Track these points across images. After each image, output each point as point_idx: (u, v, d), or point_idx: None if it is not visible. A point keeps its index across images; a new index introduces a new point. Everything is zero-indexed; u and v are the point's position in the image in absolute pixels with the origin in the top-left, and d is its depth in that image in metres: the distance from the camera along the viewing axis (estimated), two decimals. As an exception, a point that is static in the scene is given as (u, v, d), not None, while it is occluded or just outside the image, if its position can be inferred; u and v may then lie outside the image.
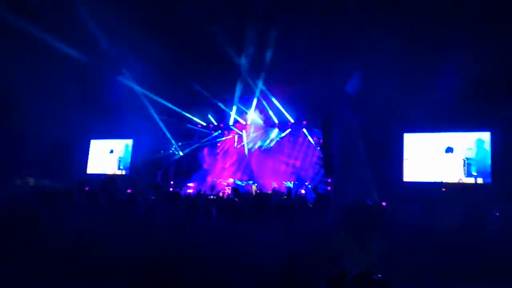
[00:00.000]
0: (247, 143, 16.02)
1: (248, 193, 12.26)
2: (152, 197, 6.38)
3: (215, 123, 16.51)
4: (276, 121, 15.39)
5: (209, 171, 16.14)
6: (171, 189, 13.84)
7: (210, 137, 16.69)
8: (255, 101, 14.82)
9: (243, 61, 12.93)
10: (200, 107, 15.88)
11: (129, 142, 17.06)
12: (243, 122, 15.91)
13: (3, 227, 3.11)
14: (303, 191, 13.29)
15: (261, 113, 15.50)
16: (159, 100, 14.98)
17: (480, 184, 11.64)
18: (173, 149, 16.36)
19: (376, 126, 12.17)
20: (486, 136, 11.85)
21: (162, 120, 15.62)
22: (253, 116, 15.53)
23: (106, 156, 17.45)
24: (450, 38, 9.77)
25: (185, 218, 4.11)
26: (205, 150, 16.59)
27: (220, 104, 15.41)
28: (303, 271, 2.63)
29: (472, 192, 11.20)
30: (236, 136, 16.41)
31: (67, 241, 3.12)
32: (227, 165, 16.30)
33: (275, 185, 13.96)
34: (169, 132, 16.03)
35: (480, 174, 11.75)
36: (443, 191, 11.43)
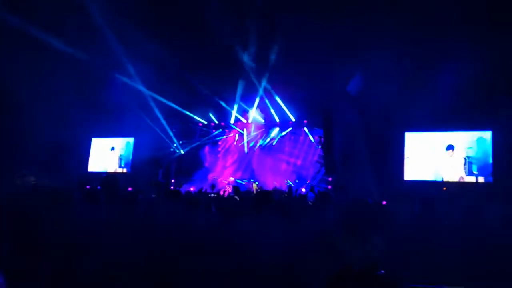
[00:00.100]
0: (248, 141, 16.02)
1: (249, 191, 12.27)
2: (153, 195, 6.39)
3: (216, 122, 16.51)
4: (277, 120, 15.39)
5: (210, 170, 16.15)
6: (172, 187, 13.88)
7: (211, 136, 16.70)
8: (257, 100, 14.82)
9: (245, 59, 12.93)
10: (201, 106, 15.88)
11: (130, 140, 17.09)
12: (244, 121, 15.92)
13: (3, 226, 3.11)
14: (303, 190, 13.29)
15: (262, 112, 15.50)
16: (160, 98, 14.99)
17: (481, 183, 11.64)
18: (174, 147, 16.37)
19: (377, 125, 12.17)
20: (487, 134, 11.85)
21: (163, 119, 15.62)
22: (254, 114, 15.53)
23: (107, 154, 17.49)
24: (451, 37, 9.76)
25: (185, 216, 4.11)
26: (206, 149, 16.60)
27: (222, 103, 15.41)
28: (304, 269, 2.63)
29: (473, 191, 11.19)
30: (237, 135, 16.41)
31: (67, 240, 3.13)
32: (228, 164, 16.30)
33: (276, 184, 13.96)
34: (170, 130, 16.04)
35: (481, 172, 11.74)
36: (444, 190, 11.44)
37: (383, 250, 2.88)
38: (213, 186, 14.32)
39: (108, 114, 15.03)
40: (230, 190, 13.21)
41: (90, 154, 17.81)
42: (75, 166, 16.42)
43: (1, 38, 11.05)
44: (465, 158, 12.02)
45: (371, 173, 11.69)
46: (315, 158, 14.76)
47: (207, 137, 16.71)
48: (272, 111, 15.09)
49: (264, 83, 14.04)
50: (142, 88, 14.56)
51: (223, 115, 16.19)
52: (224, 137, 16.75)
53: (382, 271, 1.41)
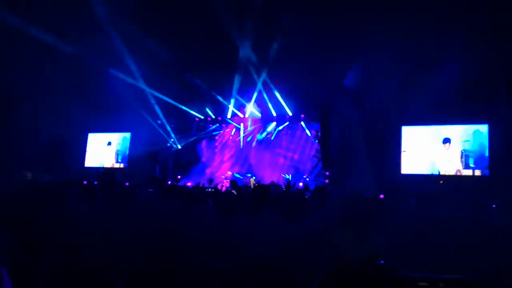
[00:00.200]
0: (245, 136, 16.01)
1: (246, 185, 12.27)
2: (150, 190, 6.38)
3: (213, 116, 16.49)
4: (274, 114, 15.38)
5: (207, 164, 16.14)
6: (169, 182, 13.87)
7: (207, 130, 16.68)
8: (255, 94, 14.79)
9: (242, 54, 12.89)
10: (198, 100, 15.85)
11: (127, 135, 17.06)
12: (241, 115, 15.90)
13: (1, 222, 3.11)
14: (301, 184, 13.31)
15: (259, 107, 15.49)
16: (157, 94, 14.95)
17: (478, 176, 11.69)
18: (171, 142, 16.35)
19: (374, 119, 12.19)
20: (483, 128, 11.88)
21: (160, 113, 15.59)
22: (251, 109, 15.51)
23: (104, 150, 17.46)
24: (449, 31, 9.75)
25: (181, 210, 4.11)
26: (204, 143, 16.59)
27: (219, 97, 15.38)
28: (303, 263, 2.63)
29: (469, 184, 11.23)
30: (234, 129, 16.40)
31: (65, 235, 3.12)
32: (225, 158, 16.30)
33: (273, 178, 13.97)
34: (167, 125, 16.01)
35: (477, 166, 11.79)
36: (441, 183, 11.48)
37: (380, 243, 2.89)
38: (210, 180, 14.32)
39: (105, 109, 14.99)
40: (227, 185, 13.21)
41: (87, 149, 17.77)
42: (72, 162, 16.39)
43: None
44: (461, 152, 12.06)
45: (368, 167, 11.72)
46: (312, 152, 14.77)
47: (204, 132, 16.69)
48: (270, 105, 15.07)
49: (261, 77, 14.01)
50: (138, 83, 14.52)
51: (220, 110, 16.16)
52: (221, 132, 16.73)
53: (382, 262, 1.41)
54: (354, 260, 1.43)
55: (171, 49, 12.37)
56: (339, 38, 10.76)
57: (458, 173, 11.96)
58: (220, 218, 3.73)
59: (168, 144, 16.33)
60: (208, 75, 14.12)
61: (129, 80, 14.29)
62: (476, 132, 11.96)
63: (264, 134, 15.74)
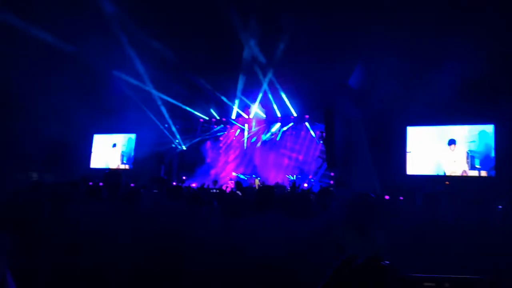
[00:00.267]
0: (249, 137, 16.02)
1: (251, 186, 12.28)
2: (155, 191, 6.39)
3: (218, 117, 16.51)
4: (279, 115, 15.38)
5: (212, 165, 16.16)
6: (174, 183, 13.89)
7: (212, 131, 16.70)
8: (260, 95, 14.81)
9: (246, 54, 12.91)
10: (202, 101, 15.89)
11: (132, 136, 17.12)
12: (246, 116, 15.91)
13: (5, 223, 3.12)
14: (305, 185, 13.29)
15: (263, 107, 15.49)
16: (161, 95, 15.00)
17: (484, 177, 11.62)
18: (176, 142, 16.39)
19: (379, 120, 12.15)
20: (489, 128, 11.81)
21: (165, 115, 15.63)
22: (255, 110, 15.52)
23: (110, 151, 17.52)
24: (454, 31, 9.70)
25: (186, 211, 4.12)
26: (208, 144, 16.61)
27: (223, 98, 15.41)
28: (308, 263, 2.63)
29: (475, 185, 11.17)
30: (238, 130, 16.41)
31: (69, 236, 3.13)
32: (230, 159, 16.31)
33: (278, 179, 13.96)
34: (172, 126, 16.05)
35: (483, 166, 11.72)
36: (447, 184, 11.42)
37: (385, 243, 2.88)
38: (215, 181, 14.33)
39: (110, 111, 15.04)
40: (232, 186, 13.22)
41: (92, 150, 17.84)
42: (77, 163, 16.46)
43: (2, 36, 11.06)
44: (467, 152, 11.99)
45: (373, 167, 11.68)
46: (317, 153, 14.75)
47: (208, 133, 16.72)
48: (274, 106, 15.07)
49: (266, 78, 14.02)
50: (143, 84, 14.57)
51: (225, 111, 16.19)
52: (226, 132, 16.75)
53: (387, 262, 1.40)
54: (359, 260, 1.42)
55: (176, 50, 12.41)
56: (343, 38, 10.75)
57: (464, 174, 11.89)
58: (224, 219, 3.73)
59: (173, 145, 16.36)
60: (212, 76, 14.15)
61: (134, 81, 14.34)
62: (482, 133, 11.89)
63: (268, 134, 15.74)
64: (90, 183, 7.70)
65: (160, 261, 2.87)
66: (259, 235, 3.00)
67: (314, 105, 14.18)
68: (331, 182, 13.36)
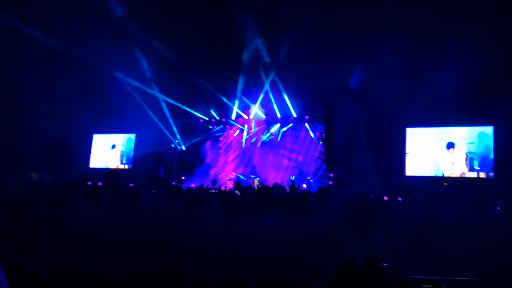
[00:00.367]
0: (249, 137, 16.03)
1: (250, 187, 12.28)
2: (154, 191, 6.39)
3: (217, 118, 16.52)
4: (279, 116, 15.39)
5: (211, 165, 16.16)
6: (173, 183, 13.89)
7: (211, 132, 16.71)
8: (261, 96, 14.82)
9: (246, 55, 12.92)
10: (202, 102, 15.90)
11: (132, 136, 17.11)
12: (245, 117, 15.92)
13: (5, 223, 3.12)
14: (304, 186, 13.30)
15: (263, 108, 15.50)
16: (161, 95, 15.01)
17: (482, 179, 11.62)
18: (176, 143, 16.39)
19: (378, 121, 12.15)
20: (488, 129, 11.82)
21: (165, 115, 15.64)
22: (255, 110, 15.53)
23: (109, 151, 17.52)
24: (454, 32, 9.72)
25: (186, 211, 4.12)
26: (208, 144, 16.61)
27: (224, 98, 15.42)
28: (307, 263, 2.63)
29: (474, 187, 11.17)
30: (238, 131, 16.42)
31: (69, 236, 3.14)
32: (229, 160, 16.32)
33: (277, 180, 13.96)
34: (172, 127, 16.05)
35: (482, 168, 11.72)
36: (445, 185, 11.42)
37: (384, 244, 2.89)
38: (214, 181, 14.33)
39: (110, 111, 15.04)
40: (231, 186, 13.22)
41: (92, 150, 17.84)
42: (77, 163, 16.45)
43: (2, 37, 11.07)
44: (466, 154, 12.00)
45: (373, 168, 11.69)
46: (316, 154, 14.76)
47: (208, 133, 16.73)
48: (274, 106, 15.08)
49: (266, 79, 14.03)
50: (143, 84, 14.58)
51: (224, 111, 16.19)
52: (225, 133, 16.76)
53: (385, 264, 1.41)
54: (357, 261, 1.43)
55: (176, 50, 12.42)
56: (343, 39, 10.76)
57: (463, 176, 11.90)
58: (223, 219, 3.73)
59: (173, 145, 16.37)
60: (212, 76, 14.16)
61: (133, 81, 14.35)
62: (481, 134, 11.90)
63: (268, 135, 15.75)
64: (89, 183, 7.71)
65: (159, 261, 2.88)
66: (258, 235, 3.01)
67: (313, 106, 14.19)
68: (330, 182, 13.37)
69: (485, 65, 9.85)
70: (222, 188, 12.85)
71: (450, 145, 12.22)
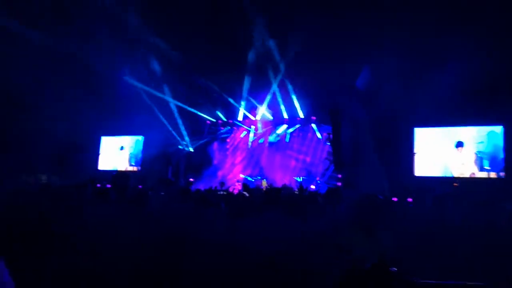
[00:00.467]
0: (256, 138, 16.03)
1: (258, 188, 12.27)
2: (162, 193, 6.41)
3: (224, 119, 16.54)
4: (286, 116, 15.37)
5: (219, 167, 16.18)
6: (182, 185, 13.92)
7: (218, 133, 16.73)
8: (268, 97, 14.82)
9: (253, 57, 12.92)
10: (209, 103, 15.93)
11: (140, 138, 17.21)
12: (252, 118, 15.92)
13: (13, 224, 3.15)
14: (313, 187, 13.25)
15: (270, 109, 15.49)
16: (169, 97, 15.07)
17: (493, 179, 11.51)
18: (184, 144, 16.43)
19: (386, 121, 12.09)
20: (498, 129, 11.70)
21: (172, 116, 15.70)
22: (262, 111, 15.53)
23: (117, 153, 17.62)
24: (461, 31, 9.64)
25: (194, 213, 4.12)
26: (215, 145, 16.63)
27: (230, 100, 15.44)
28: (315, 264, 2.62)
29: (484, 187, 11.07)
30: (245, 132, 16.42)
31: (77, 238, 3.15)
32: (237, 161, 16.32)
33: (285, 181, 13.93)
34: (179, 128, 16.11)
35: (493, 168, 11.61)
36: (455, 186, 11.33)
37: (392, 245, 2.86)
38: (222, 183, 14.34)
39: (118, 113, 15.13)
40: (239, 187, 13.22)
41: (100, 152, 17.95)
42: (86, 165, 16.56)
43: (11, 40, 11.18)
44: (476, 153, 11.89)
45: (381, 169, 11.62)
46: (324, 155, 14.71)
47: (215, 135, 16.75)
48: (282, 107, 15.07)
49: (273, 80, 14.03)
50: (151, 86, 14.64)
51: (231, 112, 16.21)
52: (232, 134, 16.77)
53: (394, 268, 1.40)
54: (365, 266, 1.42)
55: (183, 51, 12.46)
56: (350, 40, 10.71)
57: (473, 176, 11.79)
58: (231, 220, 3.73)
59: (181, 147, 16.41)
60: (219, 78, 14.18)
61: (141, 83, 14.42)
62: (490, 133, 11.78)
63: (274, 135, 15.73)
64: (98, 185, 7.75)
65: (166, 262, 2.88)
66: (266, 236, 3.00)
67: (320, 107, 14.15)
68: (339, 183, 13.31)
69: (494, 64, 9.76)
70: (230, 190, 12.85)
71: (459, 144, 12.12)
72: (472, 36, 9.26)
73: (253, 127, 16.09)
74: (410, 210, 5.81)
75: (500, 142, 11.59)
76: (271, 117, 15.68)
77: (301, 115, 15.05)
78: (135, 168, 17.09)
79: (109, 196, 4.94)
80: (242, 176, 15.32)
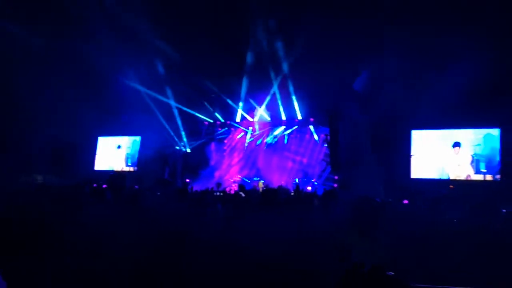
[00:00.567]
0: (254, 139, 16.02)
1: (255, 189, 12.27)
2: (158, 193, 6.40)
3: (222, 120, 16.53)
4: (284, 118, 15.38)
5: (216, 168, 16.16)
6: (179, 186, 13.92)
7: (215, 134, 16.72)
8: (268, 98, 14.82)
9: (251, 58, 12.93)
10: (207, 104, 15.93)
11: (137, 138, 17.17)
12: (250, 119, 15.92)
13: (11, 224, 3.14)
14: (309, 188, 13.26)
15: (268, 110, 15.50)
16: (166, 97, 15.05)
17: (489, 181, 11.54)
18: (181, 145, 16.42)
19: (383, 123, 12.11)
20: (495, 131, 11.74)
21: (170, 118, 15.68)
22: (260, 113, 15.53)
23: (114, 153, 17.58)
24: (459, 34, 9.68)
25: (190, 213, 4.12)
26: (212, 146, 16.62)
27: (229, 101, 15.44)
28: (311, 265, 2.62)
29: (480, 189, 11.10)
30: (242, 133, 16.41)
31: (73, 238, 3.15)
32: (234, 162, 16.31)
33: (282, 182, 13.94)
34: (177, 129, 16.09)
35: (489, 171, 11.64)
36: (451, 188, 11.36)
37: (388, 248, 2.87)
38: (218, 184, 14.33)
39: (115, 113, 15.10)
40: (236, 188, 13.21)
41: (97, 152, 17.91)
42: (82, 165, 16.52)
43: (6, 40, 11.17)
44: (472, 156, 11.92)
45: (378, 171, 11.64)
46: (321, 156, 14.72)
47: (212, 136, 16.74)
48: (281, 108, 15.07)
49: (272, 81, 14.02)
50: (148, 86, 14.62)
51: (229, 113, 16.20)
52: (230, 135, 16.76)
53: (391, 273, 1.41)
54: (364, 268, 1.43)
55: (181, 53, 12.45)
56: (348, 42, 10.73)
57: (469, 178, 11.82)
58: (227, 220, 3.74)
59: (178, 148, 16.39)
60: (217, 79, 14.18)
61: (138, 83, 14.40)
62: (487, 136, 11.82)
63: (271, 137, 15.73)
64: (94, 185, 7.74)
65: (162, 262, 2.88)
66: (262, 236, 3.00)
67: (318, 108, 14.16)
68: (335, 185, 13.33)
69: (491, 67, 9.79)
70: (227, 190, 12.85)
71: (456, 144, 12.15)
72: (470, 40, 9.29)
73: (250, 128, 16.09)
74: (406, 212, 5.82)
75: (497, 144, 11.63)
76: (268, 119, 15.68)
77: (299, 116, 15.06)
78: (131, 169, 17.05)
79: (105, 196, 4.93)
80: (239, 177, 15.31)
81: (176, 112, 15.66)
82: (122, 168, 17.19)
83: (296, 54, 12.23)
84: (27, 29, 11.07)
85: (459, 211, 5.02)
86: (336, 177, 13.45)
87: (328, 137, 13.62)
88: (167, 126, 15.88)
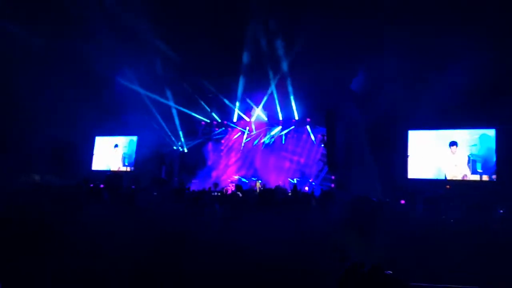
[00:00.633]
0: (251, 139, 16.03)
1: (252, 189, 12.27)
2: (155, 193, 6.40)
3: (219, 120, 16.53)
4: (281, 118, 15.38)
5: (213, 167, 16.15)
6: (176, 186, 13.89)
7: (212, 134, 16.71)
8: (265, 98, 14.82)
9: (248, 57, 12.92)
10: (204, 104, 15.92)
11: (134, 138, 17.16)
12: (247, 119, 15.92)
13: (9, 224, 3.13)
14: (306, 188, 13.28)
15: (265, 110, 15.50)
16: (163, 97, 15.04)
17: (485, 181, 11.59)
18: (178, 145, 16.40)
19: (380, 123, 12.13)
20: (491, 132, 11.80)
21: (167, 117, 15.68)
22: (257, 113, 15.53)
23: (111, 153, 17.55)
24: (456, 35, 9.70)
25: (187, 213, 4.13)
26: (210, 146, 16.61)
27: (226, 101, 15.44)
28: (309, 265, 2.63)
29: (477, 190, 11.15)
30: (239, 133, 16.42)
31: (70, 238, 3.14)
32: (231, 162, 16.30)
33: (279, 182, 13.94)
34: (174, 129, 16.08)
35: (485, 171, 11.70)
36: (447, 188, 11.40)
37: (386, 248, 2.88)
38: (216, 184, 14.32)
39: (112, 113, 15.07)
40: (233, 188, 13.21)
41: (94, 152, 17.88)
42: (79, 165, 16.48)
43: (6, 40, 11.13)
44: (468, 156, 11.98)
45: (375, 171, 11.67)
46: (318, 156, 14.74)
47: (209, 136, 16.74)
48: (277, 109, 15.08)
49: (269, 81, 14.02)
50: (145, 86, 14.61)
51: (226, 113, 16.21)
52: (227, 135, 16.76)
53: (389, 272, 1.41)
54: (362, 267, 1.43)
55: (179, 53, 12.44)
56: (346, 42, 10.74)
57: (465, 178, 11.87)
58: (225, 220, 3.74)
59: (175, 147, 16.38)
60: (214, 79, 14.18)
61: (136, 83, 14.39)
62: (483, 136, 11.87)
63: (268, 137, 15.74)
64: (91, 185, 7.72)
65: (159, 261, 2.88)
66: (259, 236, 3.00)
67: (315, 108, 14.18)
68: (332, 185, 13.35)
69: (488, 67, 9.83)
70: (224, 191, 12.84)
71: (453, 143, 12.21)
72: (468, 40, 9.32)
73: (247, 128, 16.09)
74: (403, 212, 5.84)
75: (492, 145, 11.68)
76: (265, 119, 15.69)
77: (296, 116, 15.07)
78: (128, 169, 17.03)
79: (102, 196, 4.93)
80: (236, 177, 15.31)
81: (173, 112, 15.66)
82: (119, 168, 17.17)
83: (293, 54, 12.24)
84: (27, 29, 11.05)
85: (456, 211, 5.04)
86: (333, 177, 13.47)
87: (325, 137, 13.63)
88: (164, 126, 15.87)
